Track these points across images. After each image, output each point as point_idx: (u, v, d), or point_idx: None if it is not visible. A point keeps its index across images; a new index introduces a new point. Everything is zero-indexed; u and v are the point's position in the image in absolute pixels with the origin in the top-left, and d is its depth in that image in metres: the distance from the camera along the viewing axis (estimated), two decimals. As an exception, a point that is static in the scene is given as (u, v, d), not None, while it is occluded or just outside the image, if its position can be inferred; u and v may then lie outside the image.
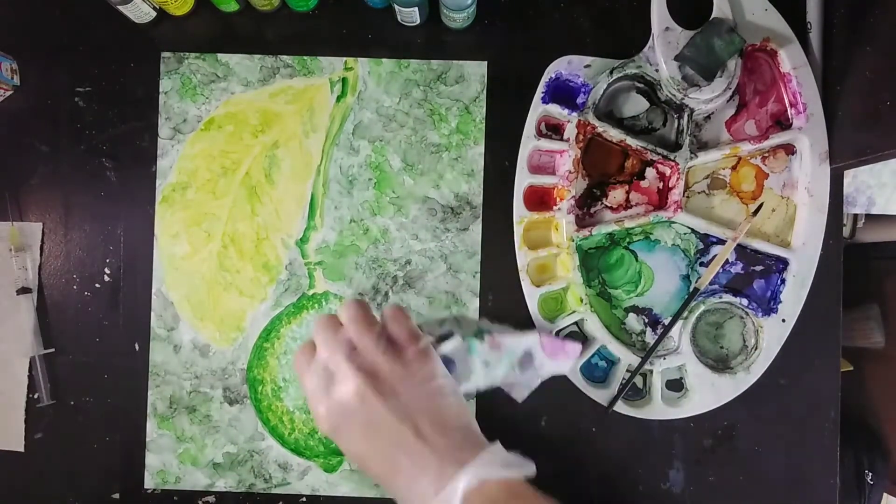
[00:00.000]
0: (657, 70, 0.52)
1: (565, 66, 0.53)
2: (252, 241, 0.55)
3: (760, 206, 0.53)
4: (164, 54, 0.55)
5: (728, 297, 0.53)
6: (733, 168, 0.54)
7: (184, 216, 0.55)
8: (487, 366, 0.46)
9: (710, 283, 0.53)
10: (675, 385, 0.54)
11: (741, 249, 0.54)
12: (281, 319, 0.55)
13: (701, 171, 0.54)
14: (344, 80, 0.55)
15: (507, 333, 0.48)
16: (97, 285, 0.55)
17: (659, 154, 0.52)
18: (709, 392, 0.53)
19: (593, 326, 0.53)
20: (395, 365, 0.40)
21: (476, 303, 0.54)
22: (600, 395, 0.53)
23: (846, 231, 0.65)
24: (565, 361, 0.50)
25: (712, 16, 0.51)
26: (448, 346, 0.44)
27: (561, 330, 0.54)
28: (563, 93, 0.54)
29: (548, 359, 0.49)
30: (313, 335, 0.41)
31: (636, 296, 0.54)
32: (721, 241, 0.53)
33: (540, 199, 0.54)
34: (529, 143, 0.53)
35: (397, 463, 0.39)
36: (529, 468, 0.40)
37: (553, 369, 0.50)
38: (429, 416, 0.39)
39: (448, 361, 0.44)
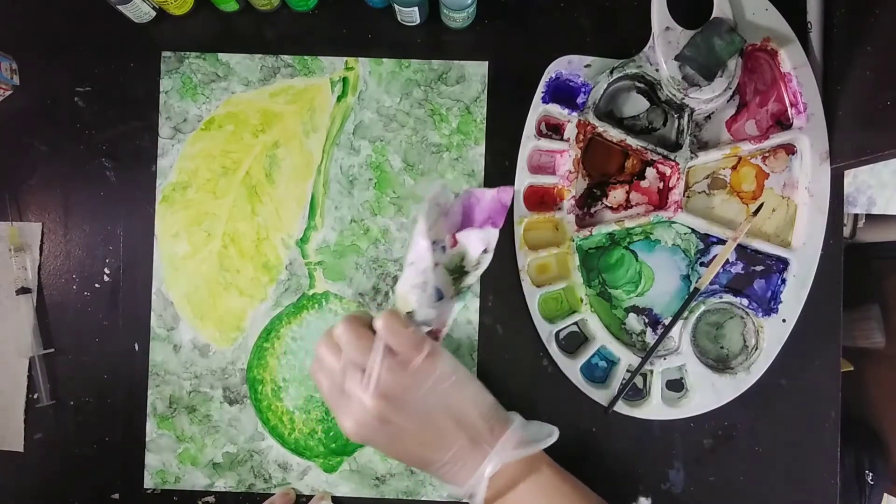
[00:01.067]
0: (657, 70, 0.52)
1: (565, 66, 0.53)
2: (252, 241, 0.55)
3: (761, 206, 0.53)
4: (165, 54, 0.55)
5: (728, 297, 0.53)
6: (734, 168, 0.54)
7: (184, 216, 0.55)
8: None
9: (711, 283, 0.53)
10: (676, 385, 0.54)
11: (741, 249, 0.54)
12: (281, 319, 0.55)
13: (701, 170, 0.54)
14: (344, 80, 0.55)
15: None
16: (97, 285, 0.55)
17: (659, 154, 0.52)
18: (709, 392, 0.53)
19: (593, 326, 0.53)
20: (406, 380, 0.41)
21: (476, 303, 0.54)
22: (600, 395, 0.53)
23: (846, 231, 0.65)
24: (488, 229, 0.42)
25: (712, 15, 0.51)
26: (432, 311, 0.42)
27: (562, 330, 0.54)
28: (563, 93, 0.54)
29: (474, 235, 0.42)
30: (319, 359, 0.42)
31: (636, 296, 0.54)
32: (721, 241, 0.53)
33: (540, 199, 0.54)
34: (530, 143, 0.53)
35: (428, 460, 0.42)
36: (549, 438, 0.45)
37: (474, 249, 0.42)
38: (447, 414, 0.42)
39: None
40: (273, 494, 0.54)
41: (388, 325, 0.41)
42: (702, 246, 0.54)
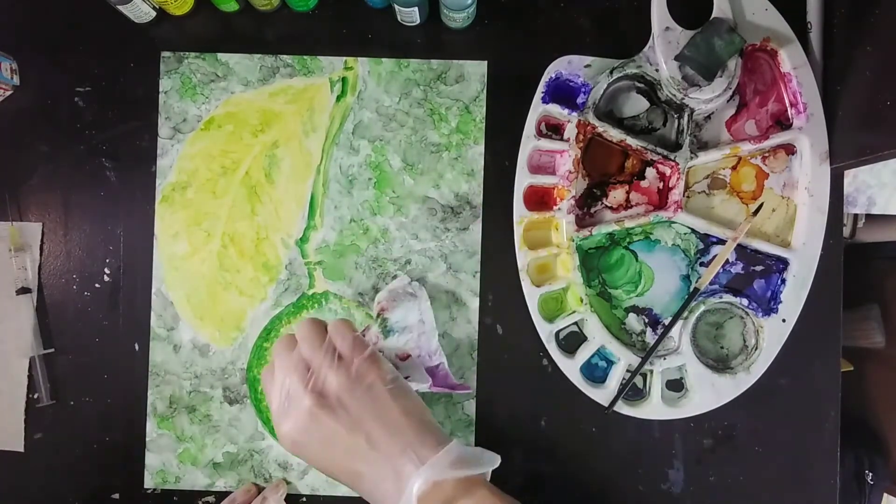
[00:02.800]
0: (657, 70, 0.52)
1: (565, 66, 0.53)
2: (252, 241, 0.55)
3: (761, 206, 0.53)
4: (164, 54, 0.55)
5: (728, 297, 0.53)
6: (733, 168, 0.54)
7: (184, 216, 0.55)
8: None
9: (711, 283, 0.53)
10: (676, 385, 0.54)
11: (741, 249, 0.53)
12: (281, 319, 0.55)
13: (701, 170, 0.54)
14: (344, 80, 0.55)
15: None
16: (97, 285, 0.55)
17: (659, 154, 0.52)
18: (709, 392, 0.53)
19: (593, 326, 0.53)
20: (342, 378, 0.41)
21: (476, 303, 0.54)
22: (600, 395, 0.53)
23: (846, 231, 0.65)
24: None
25: (712, 15, 0.51)
26: (399, 340, 0.48)
27: (562, 330, 0.54)
28: (563, 93, 0.54)
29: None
30: (273, 356, 0.44)
31: (636, 296, 0.54)
32: (721, 241, 0.53)
33: (540, 199, 0.54)
34: (529, 142, 0.53)
35: (357, 471, 0.41)
36: (489, 463, 0.42)
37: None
38: (380, 422, 0.41)
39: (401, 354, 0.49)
40: None
41: (336, 327, 0.44)
42: (702, 246, 0.54)
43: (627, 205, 0.55)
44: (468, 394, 0.53)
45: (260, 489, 0.54)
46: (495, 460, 0.42)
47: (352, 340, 0.43)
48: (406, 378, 0.46)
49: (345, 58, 0.55)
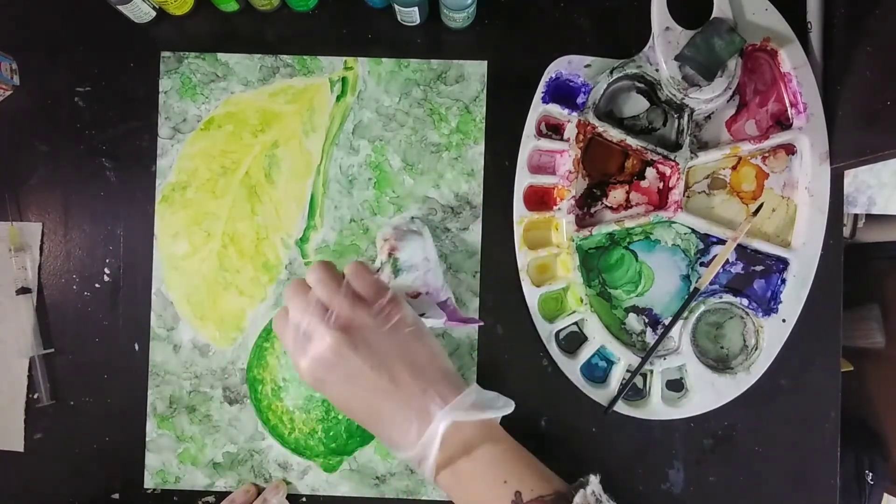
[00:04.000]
0: (657, 70, 0.52)
1: (565, 66, 0.53)
2: (252, 241, 0.55)
3: (761, 206, 0.53)
4: (164, 54, 0.55)
5: (728, 297, 0.53)
6: (733, 168, 0.54)
7: (183, 216, 0.55)
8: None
9: (711, 283, 0.53)
10: (676, 385, 0.54)
11: (741, 249, 0.53)
12: (281, 319, 0.55)
13: (701, 170, 0.54)
14: (344, 80, 0.55)
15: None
16: (97, 285, 0.55)
17: (659, 154, 0.52)
18: (709, 392, 0.53)
19: (593, 326, 0.53)
20: (367, 318, 0.42)
21: (476, 303, 0.54)
22: (600, 395, 0.53)
23: (846, 231, 0.65)
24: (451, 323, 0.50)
25: (712, 15, 0.51)
26: (407, 278, 0.48)
27: (562, 330, 0.54)
28: (563, 93, 0.54)
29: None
30: (285, 301, 0.43)
31: (636, 296, 0.54)
32: (721, 241, 0.53)
33: (540, 199, 0.54)
34: (529, 142, 0.53)
35: (379, 409, 0.41)
36: (506, 408, 0.43)
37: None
38: (404, 362, 0.41)
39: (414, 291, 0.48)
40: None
41: (355, 269, 0.44)
42: (702, 246, 0.54)
43: (627, 205, 0.55)
44: (479, 326, 0.53)
45: (259, 490, 0.54)
46: (510, 405, 0.44)
47: (372, 282, 0.43)
48: (421, 316, 0.46)
49: (345, 58, 0.55)
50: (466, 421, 0.41)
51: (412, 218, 0.52)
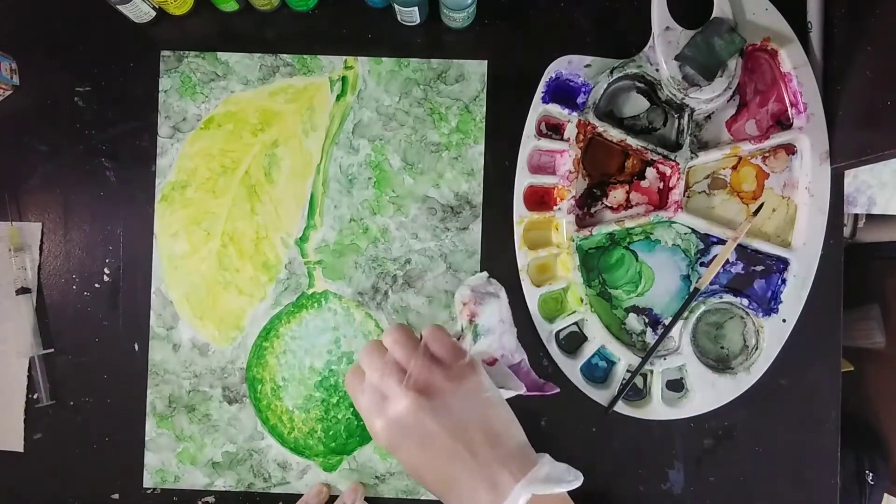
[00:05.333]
0: (657, 70, 0.52)
1: (565, 66, 0.53)
2: (251, 240, 0.55)
3: (761, 206, 0.53)
4: (164, 53, 0.55)
5: (728, 297, 0.53)
6: (734, 168, 0.54)
7: (183, 215, 0.55)
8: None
9: (711, 283, 0.53)
10: (676, 385, 0.54)
11: (742, 249, 0.53)
12: (280, 318, 0.55)
13: (701, 170, 0.54)
14: (344, 79, 0.55)
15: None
16: (97, 285, 0.55)
17: (659, 154, 0.52)
18: (709, 392, 0.52)
19: (593, 326, 0.53)
20: (445, 381, 0.41)
21: (476, 302, 0.54)
22: (600, 395, 0.53)
23: (847, 231, 0.65)
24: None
25: (713, 15, 0.51)
26: (483, 343, 0.46)
27: (562, 330, 0.54)
28: (563, 92, 0.54)
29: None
30: (360, 361, 0.43)
31: (636, 296, 0.54)
32: (721, 241, 0.53)
33: (540, 199, 0.54)
34: (529, 142, 0.53)
35: (453, 476, 0.40)
36: (576, 481, 0.42)
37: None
38: (481, 428, 0.40)
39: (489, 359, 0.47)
40: (271, 494, 0.54)
41: (433, 332, 0.43)
42: (702, 246, 0.54)
43: (627, 205, 0.55)
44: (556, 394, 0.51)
45: (327, 489, 0.53)
46: (580, 478, 0.42)
47: (451, 345, 0.43)
48: (500, 388, 0.45)
49: (345, 57, 0.55)
50: (541, 494, 0.40)
51: (488, 278, 0.51)
